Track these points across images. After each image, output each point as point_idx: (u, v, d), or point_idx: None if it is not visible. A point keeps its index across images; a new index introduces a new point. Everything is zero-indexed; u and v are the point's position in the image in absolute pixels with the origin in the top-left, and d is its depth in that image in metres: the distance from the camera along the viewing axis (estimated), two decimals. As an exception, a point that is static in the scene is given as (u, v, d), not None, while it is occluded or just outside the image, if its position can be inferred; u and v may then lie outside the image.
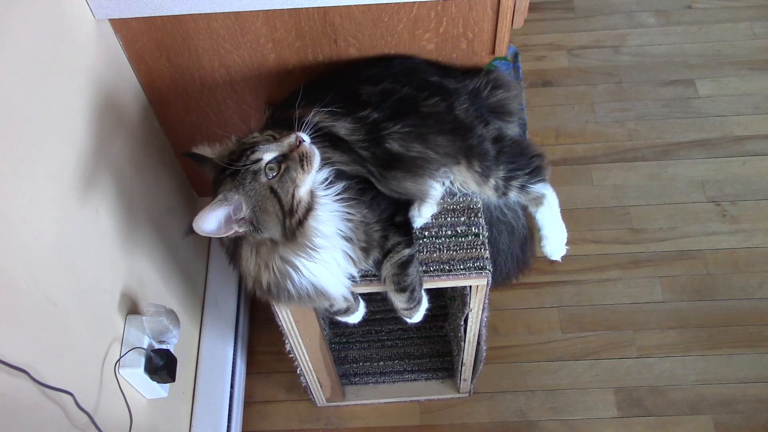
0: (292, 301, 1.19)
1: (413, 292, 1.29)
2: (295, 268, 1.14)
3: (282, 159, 1.09)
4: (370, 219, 1.22)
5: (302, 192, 1.10)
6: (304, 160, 1.09)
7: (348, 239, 1.18)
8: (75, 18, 1.29)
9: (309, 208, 1.11)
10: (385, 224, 1.26)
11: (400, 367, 1.89)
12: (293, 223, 1.10)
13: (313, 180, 1.12)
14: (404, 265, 1.26)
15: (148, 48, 1.45)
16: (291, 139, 1.10)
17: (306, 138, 1.11)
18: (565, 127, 2.30)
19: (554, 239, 1.43)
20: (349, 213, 1.17)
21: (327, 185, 1.15)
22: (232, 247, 1.16)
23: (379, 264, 1.28)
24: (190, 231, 1.06)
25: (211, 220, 1.06)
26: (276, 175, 1.08)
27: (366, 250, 1.23)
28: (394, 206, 1.28)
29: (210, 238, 1.93)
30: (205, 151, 1.16)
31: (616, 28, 2.51)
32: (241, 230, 1.09)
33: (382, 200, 1.26)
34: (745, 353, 1.88)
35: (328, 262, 1.17)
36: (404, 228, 1.29)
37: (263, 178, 1.08)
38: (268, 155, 1.08)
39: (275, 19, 1.38)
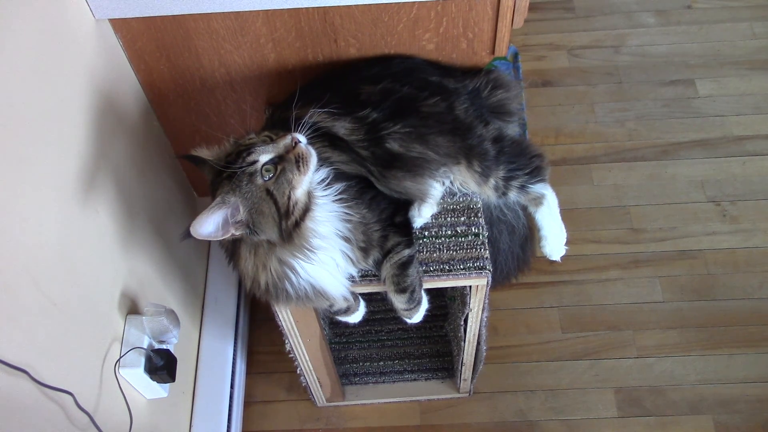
0: (291, 301, 1.19)
1: (413, 292, 1.29)
2: (293, 269, 1.14)
3: (278, 160, 1.08)
4: (369, 219, 1.22)
5: (299, 193, 1.10)
6: (300, 161, 1.09)
7: (347, 239, 1.17)
8: (75, 18, 1.29)
9: (306, 209, 1.11)
10: (385, 224, 1.26)
11: (400, 367, 1.89)
12: (289, 225, 1.09)
13: (310, 181, 1.11)
14: (404, 266, 1.26)
15: (148, 48, 1.45)
16: (287, 140, 1.10)
17: (302, 139, 1.11)
18: (565, 127, 2.30)
19: (554, 239, 1.44)
20: (347, 213, 1.17)
21: (326, 185, 1.15)
22: (231, 248, 1.16)
23: (379, 264, 1.28)
24: (188, 235, 1.05)
25: (209, 224, 1.06)
26: (272, 176, 1.07)
27: (365, 251, 1.23)
28: (393, 206, 1.28)
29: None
30: (203, 153, 1.16)
31: (616, 28, 2.51)
32: (238, 233, 1.09)
33: (382, 200, 1.26)
34: (745, 353, 1.88)
35: (327, 263, 1.17)
36: (404, 228, 1.29)
37: (259, 180, 1.07)
38: (264, 157, 1.08)
39: (275, 19, 1.38)
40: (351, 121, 1.27)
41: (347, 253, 1.19)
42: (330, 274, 1.18)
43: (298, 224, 1.10)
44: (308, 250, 1.12)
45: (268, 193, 1.08)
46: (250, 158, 1.08)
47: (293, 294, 1.17)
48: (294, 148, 1.09)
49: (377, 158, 1.26)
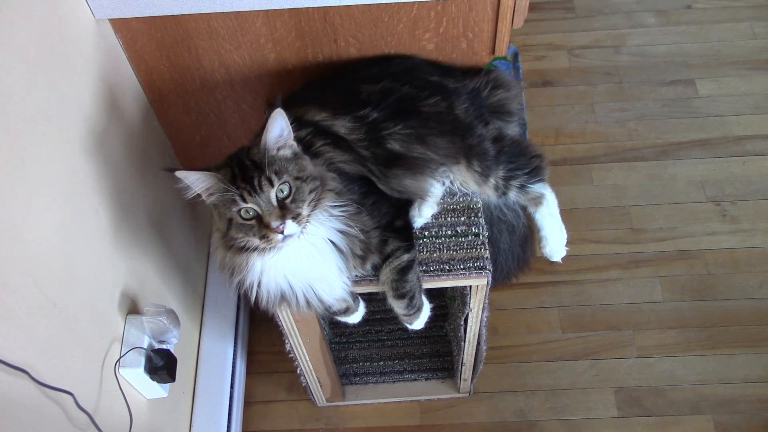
0: (262, 300, 1.18)
1: (412, 298, 1.28)
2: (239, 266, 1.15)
3: (257, 216, 1.07)
4: (369, 226, 1.21)
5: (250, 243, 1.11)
6: (265, 239, 1.07)
7: (340, 251, 1.17)
8: (75, 18, 1.29)
9: (254, 250, 1.11)
10: (385, 229, 1.25)
11: (400, 367, 1.89)
12: (229, 244, 1.12)
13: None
14: (403, 271, 1.26)
15: (148, 48, 1.45)
16: (273, 223, 1.06)
17: (291, 231, 1.07)
18: (565, 127, 2.30)
19: (554, 240, 1.43)
20: (345, 227, 1.16)
21: (332, 207, 1.14)
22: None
23: (378, 269, 1.27)
24: (172, 170, 1.08)
25: (191, 179, 1.08)
26: (242, 219, 1.07)
27: (363, 258, 1.22)
28: (394, 210, 1.27)
29: (209, 238, 1.93)
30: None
31: (616, 28, 2.51)
32: (199, 198, 1.11)
33: (384, 204, 1.25)
34: (745, 353, 1.88)
35: (319, 270, 1.16)
36: (404, 233, 1.28)
37: (233, 208, 1.07)
38: (250, 205, 1.06)
39: (275, 19, 1.38)
40: (351, 120, 1.27)
41: (340, 265, 1.18)
42: (324, 281, 1.18)
43: (237, 252, 1.12)
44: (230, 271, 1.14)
45: (229, 219, 1.09)
46: (242, 197, 1.06)
47: (250, 287, 1.16)
48: (272, 229, 1.06)
49: (378, 158, 1.26)
